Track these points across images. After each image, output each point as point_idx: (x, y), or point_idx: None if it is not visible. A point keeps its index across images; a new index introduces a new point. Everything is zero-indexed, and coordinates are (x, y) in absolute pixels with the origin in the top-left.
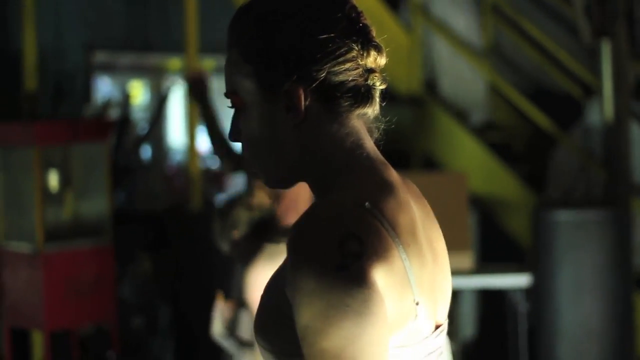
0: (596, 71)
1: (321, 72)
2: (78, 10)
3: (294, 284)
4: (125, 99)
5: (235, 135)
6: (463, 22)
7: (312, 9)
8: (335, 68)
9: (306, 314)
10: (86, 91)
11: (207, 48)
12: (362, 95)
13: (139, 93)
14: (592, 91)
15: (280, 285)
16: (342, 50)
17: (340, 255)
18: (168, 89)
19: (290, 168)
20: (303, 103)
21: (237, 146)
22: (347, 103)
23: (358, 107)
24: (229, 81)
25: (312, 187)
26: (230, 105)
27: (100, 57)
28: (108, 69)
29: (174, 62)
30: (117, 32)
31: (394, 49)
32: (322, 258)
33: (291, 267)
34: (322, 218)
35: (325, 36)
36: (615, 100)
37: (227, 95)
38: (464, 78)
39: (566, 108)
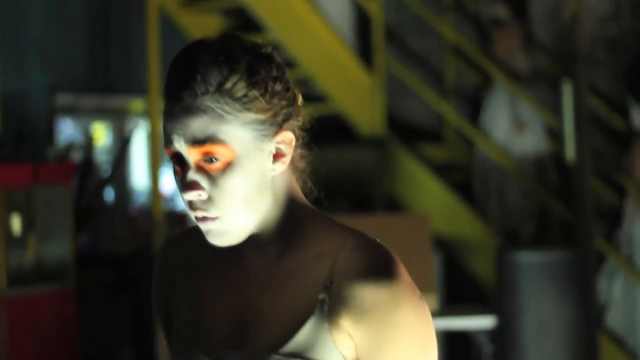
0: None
1: (299, 116)
2: (41, 52)
3: (384, 320)
4: (88, 141)
5: (199, 189)
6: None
7: (280, 57)
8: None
9: (405, 346)
10: (49, 134)
11: None
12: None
13: (101, 135)
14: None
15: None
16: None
17: (415, 287)
18: (131, 130)
19: (259, 221)
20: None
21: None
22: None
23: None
24: (214, 132)
25: (274, 237)
26: (206, 158)
27: (63, 99)
28: (71, 111)
29: (137, 104)
30: (80, 74)
31: (356, 91)
32: (411, 291)
33: (380, 303)
34: (385, 255)
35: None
36: (577, 140)
37: (208, 146)
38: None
39: None
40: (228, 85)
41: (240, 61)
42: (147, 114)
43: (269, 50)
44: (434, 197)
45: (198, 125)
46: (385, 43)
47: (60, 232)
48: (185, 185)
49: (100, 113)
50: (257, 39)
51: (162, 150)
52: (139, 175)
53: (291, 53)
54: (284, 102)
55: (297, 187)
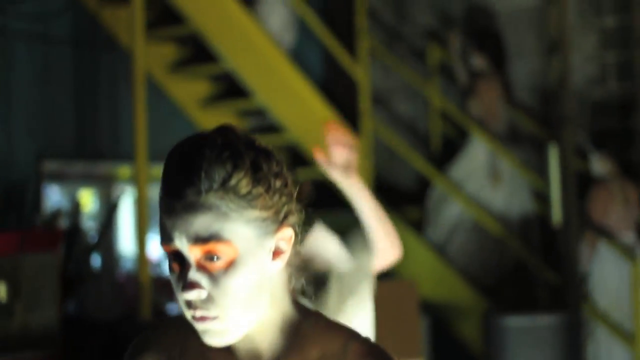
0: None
1: (297, 212)
2: (27, 118)
3: None
4: (75, 207)
5: (199, 288)
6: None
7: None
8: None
9: None
10: (36, 201)
11: (156, 156)
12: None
13: (89, 201)
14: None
15: None
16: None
17: None
18: (118, 197)
19: (255, 320)
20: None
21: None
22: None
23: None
24: (218, 230)
25: (270, 338)
26: (208, 256)
27: (49, 166)
28: (58, 177)
29: (124, 170)
30: (67, 141)
31: None
32: None
33: None
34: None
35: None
36: (563, 203)
37: (211, 245)
38: None
39: None
40: (233, 182)
41: (244, 157)
42: (134, 180)
43: (266, 144)
44: (421, 261)
45: (201, 223)
46: (372, 108)
47: (46, 299)
48: (186, 284)
49: (88, 179)
50: (244, 103)
51: (149, 217)
52: (126, 241)
53: (277, 118)
54: (284, 199)
55: (290, 285)
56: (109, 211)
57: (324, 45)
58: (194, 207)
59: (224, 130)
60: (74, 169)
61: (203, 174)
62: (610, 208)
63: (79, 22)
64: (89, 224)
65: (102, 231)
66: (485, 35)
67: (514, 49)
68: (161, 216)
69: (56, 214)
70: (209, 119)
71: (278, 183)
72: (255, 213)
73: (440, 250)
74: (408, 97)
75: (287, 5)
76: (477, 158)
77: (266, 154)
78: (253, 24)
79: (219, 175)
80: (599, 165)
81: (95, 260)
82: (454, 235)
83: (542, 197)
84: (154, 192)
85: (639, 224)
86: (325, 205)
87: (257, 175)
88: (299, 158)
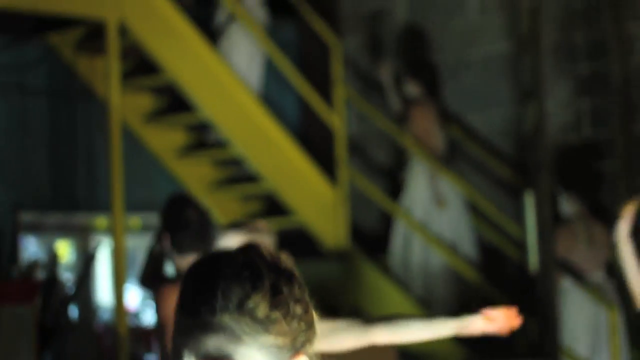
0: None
1: (315, 340)
2: (4, 170)
3: None
4: (52, 259)
5: None
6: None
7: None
8: None
9: None
10: (13, 252)
11: (133, 206)
12: None
13: (65, 252)
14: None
15: None
16: None
17: None
18: (95, 248)
19: None
20: None
21: None
22: None
23: None
24: (229, 353)
25: None
26: None
27: (26, 217)
28: (35, 228)
29: (101, 221)
30: (44, 191)
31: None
32: None
33: None
34: None
35: None
36: (540, 250)
37: None
38: None
39: (498, 258)
40: (250, 304)
41: (264, 278)
42: (111, 230)
43: (290, 266)
44: (398, 309)
45: (213, 343)
46: (348, 155)
47: (23, 350)
48: None
49: (64, 230)
50: (220, 153)
51: (126, 267)
52: (103, 292)
53: (255, 167)
54: (303, 326)
55: None
56: (86, 262)
57: (300, 93)
58: (207, 327)
59: (247, 249)
60: (51, 220)
61: (220, 293)
62: (574, 248)
63: (55, 72)
64: (66, 275)
65: (80, 282)
66: (419, 64)
67: (488, 96)
68: (174, 332)
69: (33, 265)
70: (186, 169)
71: (298, 309)
72: (270, 339)
73: (416, 297)
74: (384, 145)
75: (253, 43)
76: (419, 184)
77: (289, 276)
78: (229, 74)
79: (236, 295)
80: (566, 206)
81: (73, 311)
82: (424, 278)
83: (518, 244)
84: (131, 242)
85: (609, 264)
86: (304, 254)
87: (276, 299)
88: (275, 207)
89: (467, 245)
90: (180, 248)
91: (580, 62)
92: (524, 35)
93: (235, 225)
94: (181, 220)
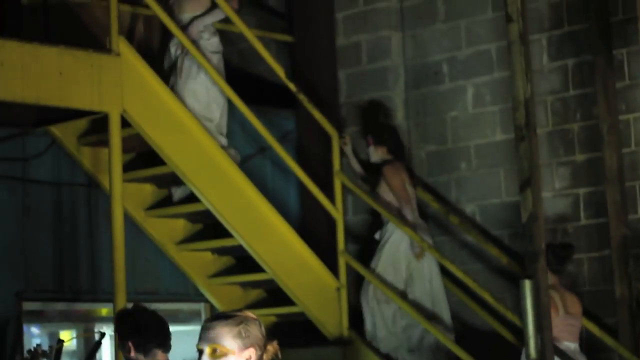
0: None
1: None
2: (8, 259)
3: None
4: (56, 347)
5: None
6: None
7: None
8: None
9: None
10: (17, 341)
11: (135, 296)
12: None
13: (69, 341)
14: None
15: None
16: None
17: None
18: (98, 336)
19: None
20: None
21: None
22: None
23: None
24: None
25: None
26: None
27: (30, 306)
28: (38, 318)
29: (104, 310)
30: (47, 280)
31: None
32: None
33: None
34: None
35: None
36: (539, 338)
37: None
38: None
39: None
40: None
41: None
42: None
43: None
44: None
45: None
46: (348, 244)
47: None
48: None
49: (68, 319)
50: (222, 242)
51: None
52: None
53: (257, 256)
54: None
55: None
56: (89, 351)
57: (300, 182)
58: None
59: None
60: (54, 309)
61: None
62: (553, 318)
63: (58, 163)
64: None
65: None
66: (383, 130)
67: (487, 184)
68: None
69: (36, 355)
70: (188, 258)
71: None
72: None
73: None
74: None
75: (211, 82)
76: (397, 243)
77: None
78: (231, 165)
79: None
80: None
81: None
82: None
83: (517, 331)
84: None
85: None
86: (304, 341)
87: None
88: (277, 295)
89: (444, 310)
90: (146, 351)
91: (576, 151)
92: (519, 125)
93: (225, 316)
94: (140, 326)
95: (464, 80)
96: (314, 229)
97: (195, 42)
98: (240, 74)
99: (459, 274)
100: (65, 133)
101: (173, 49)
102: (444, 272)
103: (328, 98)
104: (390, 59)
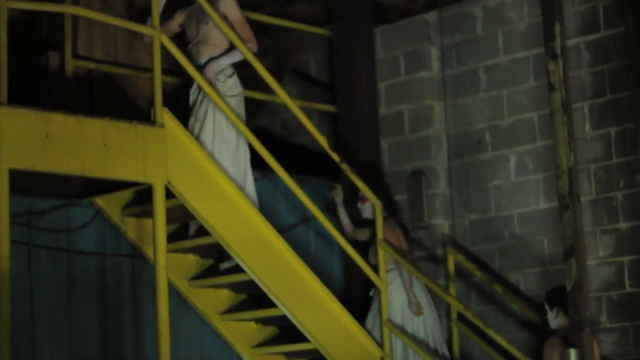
0: None
1: None
2: (53, 330)
3: None
4: None
5: None
6: None
7: None
8: None
9: None
10: None
11: None
12: None
13: None
14: None
15: None
16: None
17: None
18: None
19: None
20: None
21: None
22: None
23: None
24: None
25: None
26: None
27: None
28: None
29: None
30: (93, 351)
31: None
32: None
33: None
34: None
35: None
36: None
37: None
38: None
39: None
40: None
41: None
42: None
43: None
44: None
45: None
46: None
47: None
48: None
49: None
50: (266, 312)
51: None
52: None
53: (301, 327)
54: None
55: None
56: None
57: (344, 252)
58: None
59: None
60: None
61: None
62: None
63: (103, 233)
64: None
65: None
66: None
67: (531, 253)
68: None
69: None
70: (232, 328)
71: None
72: None
73: None
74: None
75: (228, 126)
76: (394, 302)
77: None
78: (274, 234)
79: None
80: (555, 319)
81: None
82: None
83: None
84: None
85: None
86: None
87: None
88: None
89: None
90: None
91: (620, 219)
92: (563, 193)
93: None
94: None
95: (507, 148)
96: (357, 298)
97: (211, 84)
98: (284, 144)
99: (503, 343)
100: (110, 204)
101: (194, 95)
102: (489, 340)
103: (371, 167)
104: (432, 128)
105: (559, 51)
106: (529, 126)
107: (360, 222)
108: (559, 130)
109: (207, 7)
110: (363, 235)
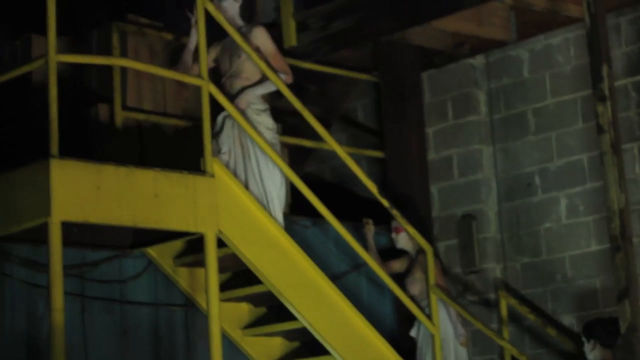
0: None
1: None
2: None
3: None
4: None
5: None
6: None
7: None
8: None
9: None
10: None
11: None
12: None
13: None
14: None
15: None
16: None
17: None
18: None
19: None
20: None
21: None
22: None
23: None
24: None
25: None
26: None
27: None
28: None
29: None
30: None
31: None
32: None
33: None
34: None
35: None
36: None
37: None
38: None
39: None
40: None
41: None
42: None
43: None
44: None
45: None
46: None
47: None
48: None
49: None
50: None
51: None
52: None
53: (330, 346)
54: None
55: None
56: None
57: (396, 298)
58: None
59: None
60: None
61: None
62: None
63: (155, 283)
64: None
65: None
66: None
67: (583, 295)
68: None
69: None
70: None
71: None
72: None
73: None
74: (481, 345)
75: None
76: (444, 335)
77: None
78: (326, 281)
79: None
80: (592, 351)
81: None
82: None
83: None
84: None
85: None
86: None
87: None
88: None
89: None
90: None
91: None
92: (614, 235)
93: None
94: None
95: (557, 191)
96: (409, 344)
97: (243, 113)
98: (333, 191)
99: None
100: (162, 254)
101: (224, 122)
102: None
103: (420, 212)
104: (481, 172)
105: (607, 93)
106: (579, 168)
107: (390, 252)
108: (609, 171)
109: (238, 39)
110: (398, 266)
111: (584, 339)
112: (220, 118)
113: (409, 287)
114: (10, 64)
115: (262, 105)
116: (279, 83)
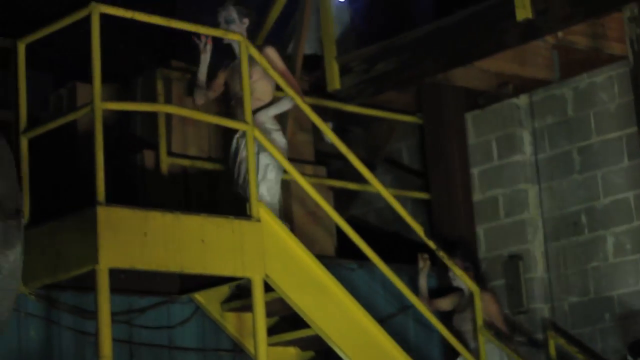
0: None
1: None
2: None
3: None
4: None
5: None
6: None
7: None
8: None
9: None
10: None
11: None
12: None
13: None
14: None
15: None
16: None
17: None
18: None
19: None
20: None
21: None
22: None
23: None
24: None
25: None
26: None
27: None
28: None
29: None
30: None
31: None
32: None
33: None
34: None
35: None
36: None
37: None
38: None
39: None
40: None
41: None
42: None
43: None
44: None
45: None
46: None
47: None
48: None
49: None
50: None
51: None
52: None
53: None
54: None
55: None
56: None
57: (444, 340)
58: None
59: None
60: None
61: None
62: None
63: (203, 328)
64: None
65: None
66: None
67: (633, 334)
68: None
69: None
70: None
71: None
72: None
73: None
74: None
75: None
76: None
77: None
78: (375, 325)
79: None
80: None
81: None
82: None
83: None
84: None
85: None
86: None
87: None
88: None
89: None
90: None
91: None
92: None
93: None
94: None
95: (604, 229)
96: None
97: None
98: (379, 233)
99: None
100: (209, 299)
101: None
102: None
103: (468, 251)
104: (527, 211)
105: None
106: (625, 206)
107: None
108: None
109: (254, 53)
110: (446, 304)
111: (629, 357)
112: (234, 141)
113: (461, 323)
114: (55, 113)
115: (275, 126)
116: (295, 96)
